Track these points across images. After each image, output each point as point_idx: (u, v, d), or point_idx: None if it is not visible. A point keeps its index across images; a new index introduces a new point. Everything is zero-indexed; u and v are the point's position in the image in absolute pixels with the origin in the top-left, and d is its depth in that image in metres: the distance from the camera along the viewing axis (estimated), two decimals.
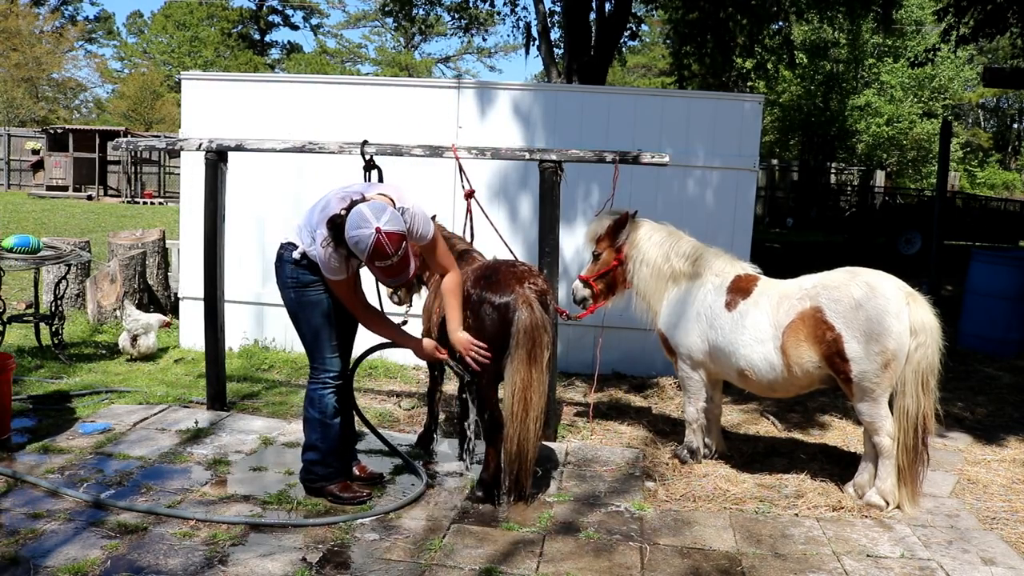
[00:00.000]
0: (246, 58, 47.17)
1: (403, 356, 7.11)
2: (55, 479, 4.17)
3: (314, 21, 54.18)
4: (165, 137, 22.66)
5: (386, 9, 20.35)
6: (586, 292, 4.97)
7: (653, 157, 4.98)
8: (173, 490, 4.13)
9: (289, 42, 56.32)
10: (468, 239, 4.95)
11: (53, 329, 6.79)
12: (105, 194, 26.64)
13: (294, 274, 4.01)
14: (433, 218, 4.70)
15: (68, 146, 26.47)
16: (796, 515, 4.19)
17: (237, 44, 49.33)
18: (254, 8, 51.77)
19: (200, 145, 5.30)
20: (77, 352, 6.98)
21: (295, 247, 4.00)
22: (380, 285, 4.29)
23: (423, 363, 5.73)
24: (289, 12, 53.67)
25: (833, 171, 28.72)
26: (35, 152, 27.86)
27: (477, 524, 3.93)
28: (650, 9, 19.57)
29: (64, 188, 25.96)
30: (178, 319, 7.61)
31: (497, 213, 6.54)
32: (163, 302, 8.56)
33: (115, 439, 4.81)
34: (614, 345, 6.82)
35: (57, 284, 7.20)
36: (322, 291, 4.02)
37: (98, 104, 48.52)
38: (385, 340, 4.19)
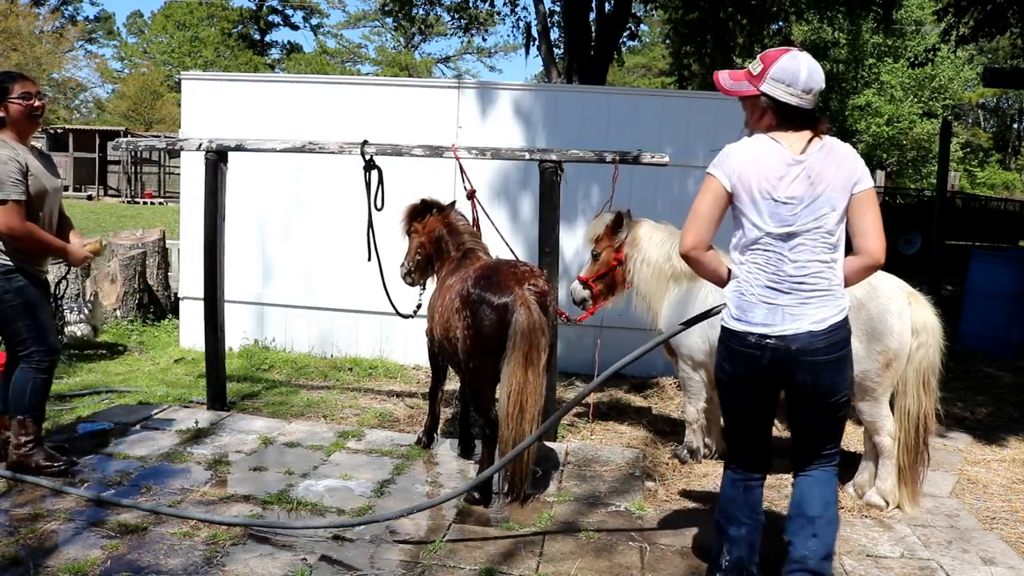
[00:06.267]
0: (246, 58, 47.20)
1: (403, 356, 7.12)
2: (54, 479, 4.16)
3: (314, 21, 54.28)
4: (165, 137, 22.67)
5: (386, 9, 20.33)
6: (585, 293, 4.97)
7: (653, 157, 4.98)
8: (173, 490, 4.13)
9: (289, 42, 56.44)
10: None
11: None
12: (105, 194, 26.66)
13: None
14: (452, 204, 4.74)
15: (68, 146, 26.50)
16: None
17: (237, 44, 49.36)
18: (254, 8, 51.80)
19: (200, 145, 5.30)
20: (77, 352, 6.98)
21: None
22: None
23: (424, 363, 5.72)
24: (289, 12, 53.75)
25: None
26: None
27: (477, 524, 3.92)
28: (650, 9, 19.53)
29: (64, 188, 25.93)
30: (178, 319, 7.61)
31: (498, 213, 6.53)
32: (163, 302, 8.56)
33: (115, 439, 4.81)
34: (614, 345, 6.81)
35: (57, 284, 7.18)
36: None
37: (98, 104, 48.57)
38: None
